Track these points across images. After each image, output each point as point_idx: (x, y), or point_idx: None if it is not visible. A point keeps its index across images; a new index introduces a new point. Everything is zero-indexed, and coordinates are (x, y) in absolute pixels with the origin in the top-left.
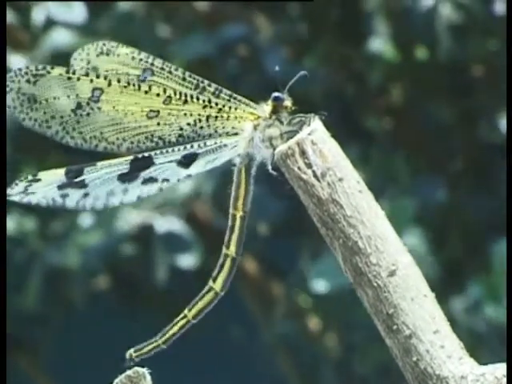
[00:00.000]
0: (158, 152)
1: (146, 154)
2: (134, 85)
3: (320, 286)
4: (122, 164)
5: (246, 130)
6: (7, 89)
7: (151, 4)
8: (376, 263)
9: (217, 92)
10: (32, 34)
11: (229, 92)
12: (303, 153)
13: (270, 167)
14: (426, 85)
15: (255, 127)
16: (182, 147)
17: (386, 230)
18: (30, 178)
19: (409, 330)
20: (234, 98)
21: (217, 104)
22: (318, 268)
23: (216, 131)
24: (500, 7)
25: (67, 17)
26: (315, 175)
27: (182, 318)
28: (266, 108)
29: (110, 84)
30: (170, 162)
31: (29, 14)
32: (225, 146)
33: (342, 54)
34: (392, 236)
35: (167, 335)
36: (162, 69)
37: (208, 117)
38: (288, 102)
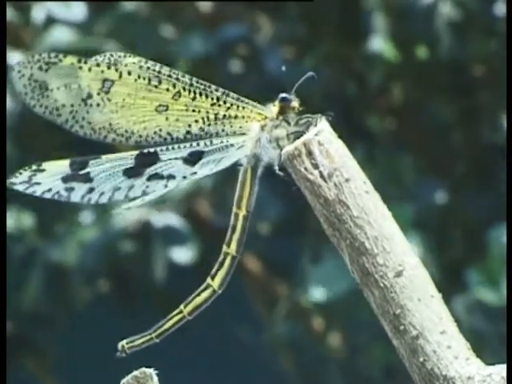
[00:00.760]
0: (163, 148)
1: (152, 150)
2: (144, 78)
3: (318, 294)
4: (127, 158)
5: (253, 131)
6: (19, 75)
7: (153, 3)
8: (383, 264)
9: (224, 96)
10: (32, 31)
11: (236, 96)
12: (310, 153)
13: (276, 168)
14: (426, 84)
15: (262, 128)
16: (188, 144)
17: (393, 231)
18: (34, 167)
19: (416, 330)
20: (242, 101)
21: (225, 102)
22: (317, 274)
23: (223, 130)
24: (501, 7)
25: (67, 15)
26: (322, 176)
27: (178, 314)
28: (273, 108)
29: (120, 76)
30: (176, 158)
31: (29, 12)
32: (231, 145)
33: (342, 54)
34: (399, 237)
35: (161, 329)
36: (170, 76)
37: (216, 115)
38: (295, 103)
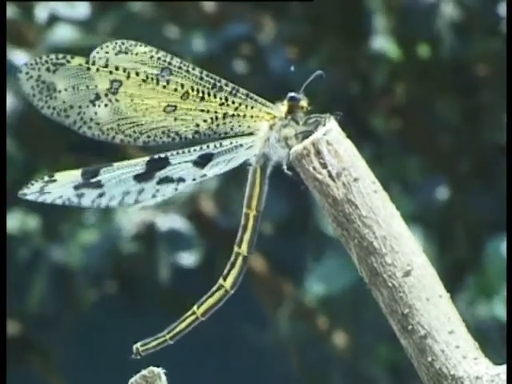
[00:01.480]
0: (174, 152)
1: (163, 155)
2: (152, 79)
3: (318, 288)
4: (138, 165)
5: (262, 130)
6: (26, 76)
7: (156, 3)
8: (391, 263)
9: (234, 91)
10: (36, 30)
11: (245, 91)
12: (318, 153)
13: (285, 167)
14: (430, 84)
15: (271, 127)
16: (198, 147)
17: (401, 230)
18: (46, 178)
19: (424, 330)
20: (251, 98)
21: (234, 102)
22: (319, 270)
23: (232, 129)
24: (504, 6)
25: (70, 13)
26: (330, 175)
27: (191, 315)
28: (282, 108)
29: (128, 76)
30: (186, 162)
31: (32, 10)
32: (240, 146)
33: (345, 54)
34: (407, 236)
35: (175, 331)
36: (180, 68)
37: (225, 114)
38: (304, 102)
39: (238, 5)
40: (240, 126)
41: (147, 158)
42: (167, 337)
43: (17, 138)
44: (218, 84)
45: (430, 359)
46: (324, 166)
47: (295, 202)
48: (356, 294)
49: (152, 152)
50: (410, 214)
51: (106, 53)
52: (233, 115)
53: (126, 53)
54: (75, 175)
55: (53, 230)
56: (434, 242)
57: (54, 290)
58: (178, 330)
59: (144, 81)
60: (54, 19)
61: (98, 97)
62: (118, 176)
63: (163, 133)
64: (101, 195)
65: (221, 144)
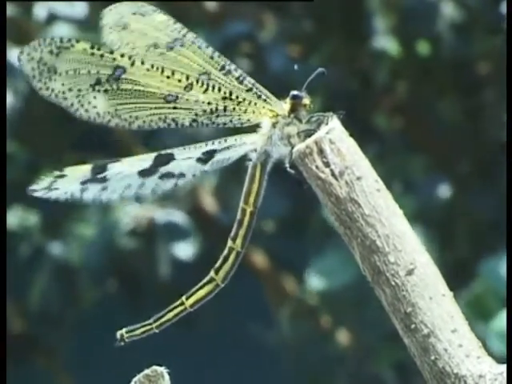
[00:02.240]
0: (181, 148)
1: (169, 151)
2: (157, 68)
3: (317, 283)
4: (146, 160)
5: (264, 127)
6: (28, 57)
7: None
8: (394, 262)
9: (241, 78)
10: (35, 28)
11: (252, 80)
12: (321, 151)
13: (287, 165)
14: (431, 82)
15: (274, 125)
16: (203, 144)
17: (404, 229)
18: (56, 173)
19: (427, 328)
20: (256, 88)
21: (237, 97)
22: (320, 266)
23: (231, 121)
24: (504, 4)
25: (69, 12)
26: (333, 174)
27: (179, 305)
28: (284, 106)
29: (133, 64)
30: (190, 158)
31: (31, 8)
32: (244, 143)
33: (347, 52)
34: (410, 235)
35: (161, 320)
36: (193, 43)
37: (225, 107)
38: (306, 100)
39: (239, 3)
40: (240, 118)
41: (155, 154)
42: (153, 325)
43: (19, 137)
44: (227, 67)
45: (433, 358)
46: (327, 164)
47: (296, 199)
48: (358, 290)
49: (152, 149)
50: (411, 213)
51: (121, 12)
52: (234, 109)
53: (143, 15)
54: (85, 170)
55: (53, 226)
56: (436, 241)
57: (56, 287)
58: (164, 319)
59: (148, 70)
60: (53, 18)
61: (98, 82)
62: (124, 171)
63: (160, 119)
64: (103, 189)
65: (225, 140)
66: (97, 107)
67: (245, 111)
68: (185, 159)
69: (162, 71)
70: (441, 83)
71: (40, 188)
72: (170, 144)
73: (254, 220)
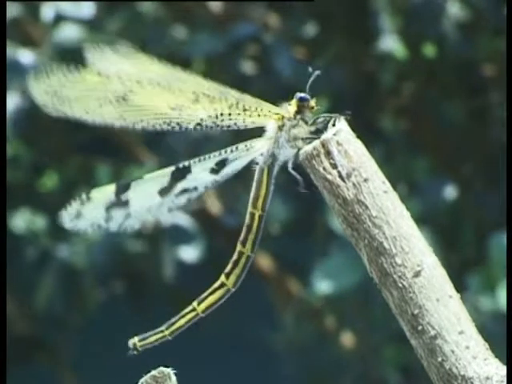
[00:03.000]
0: (196, 160)
1: (186, 163)
2: (165, 88)
3: (323, 286)
4: (164, 176)
5: (270, 131)
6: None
7: (163, 3)
8: (401, 264)
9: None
10: (42, 29)
11: (254, 100)
12: (328, 153)
13: (290, 166)
14: (437, 83)
15: (280, 127)
16: (217, 153)
17: (411, 231)
18: (83, 197)
19: (434, 330)
20: (259, 104)
21: (243, 105)
22: (324, 268)
23: (236, 124)
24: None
25: (76, 13)
26: (340, 176)
27: (191, 311)
28: (290, 108)
29: (140, 86)
30: (204, 170)
31: (38, 9)
32: (253, 149)
33: (352, 54)
34: (417, 236)
35: (174, 327)
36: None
37: (230, 114)
38: (312, 102)
39: (244, 5)
40: (244, 121)
41: (171, 169)
42: (166, 332)
43: (25, 139)
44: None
45: (439, 359)
46: (334, 166)
47: (302, 202)
48: (364, 292)
49: (156, 152)
50: (417, 215)
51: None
52: (239, 114)
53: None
54: (109, 191)
55: (60, 230)
56: (441, 242)
57: (62, 289)
58: (177, 325)
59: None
60: (59, 18)
61: (107, 102)
62: (145, 190)
63: (164, 122)
64: (127, 216)
65: (237, 148)
66: (101, 113)
67: (250, 114)
68: (199, 171)
69: (169, 87)
70: (446, 85)
71: (69, 217)
72: (175, 148)
73: (262, 224)
